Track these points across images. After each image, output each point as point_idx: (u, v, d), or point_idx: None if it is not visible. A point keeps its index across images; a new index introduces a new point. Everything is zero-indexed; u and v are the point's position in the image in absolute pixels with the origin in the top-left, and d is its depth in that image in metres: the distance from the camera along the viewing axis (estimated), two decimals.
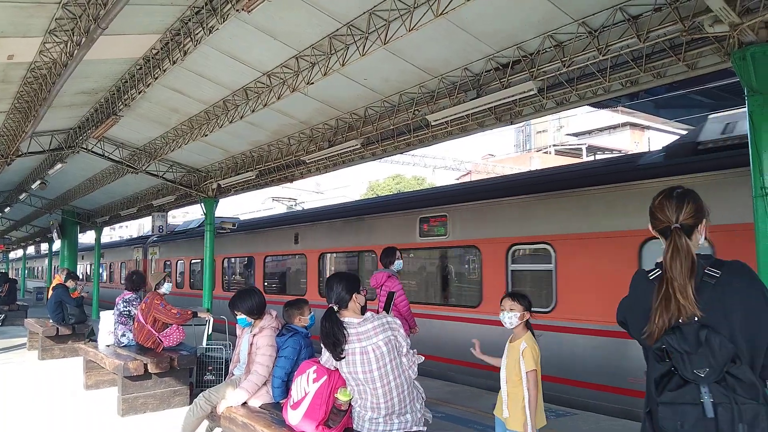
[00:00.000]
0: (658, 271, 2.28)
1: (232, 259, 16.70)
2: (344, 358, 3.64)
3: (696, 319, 2.11)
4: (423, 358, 3.92)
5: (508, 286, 8.46)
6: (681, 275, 2.17)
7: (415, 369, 3.81)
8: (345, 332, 3.62)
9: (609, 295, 4.35)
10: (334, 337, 3.63)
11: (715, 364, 2.02)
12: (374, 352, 3.59)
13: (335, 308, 3.75)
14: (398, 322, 3.81)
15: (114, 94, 8.97)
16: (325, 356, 3.85)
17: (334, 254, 12.48)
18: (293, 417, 3.90)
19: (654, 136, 37.77)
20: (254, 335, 4.93)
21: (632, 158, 9.43)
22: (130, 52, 7.44)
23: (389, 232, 10.70)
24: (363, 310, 3.82)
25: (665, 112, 16.94)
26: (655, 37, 5.15)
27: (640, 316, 2.26)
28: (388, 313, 4.18)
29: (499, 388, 4.15)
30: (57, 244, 24.59)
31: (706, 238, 2.32)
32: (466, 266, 9.90)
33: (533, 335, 4.13)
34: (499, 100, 6.63)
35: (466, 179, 35.15)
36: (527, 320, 4.13)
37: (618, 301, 2.44)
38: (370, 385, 3.60)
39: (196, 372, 7.48)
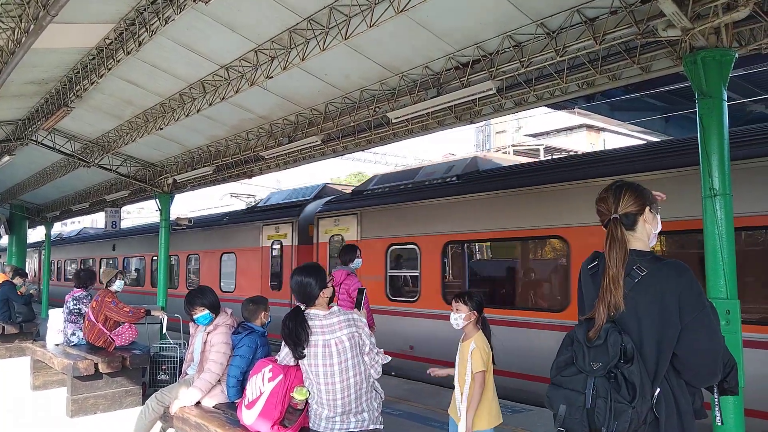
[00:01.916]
0: (596, 263, 2.34)
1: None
2: (304, 356, 3.60)
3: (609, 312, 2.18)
4: (390, 358, 3.88)
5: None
6: (615, 266, 2.21)
7: (378, 369, 3.77)
8: (308, 330, 3.56)
9: None
10: (296, 337, 3.57)
11: (606, 360, 2.10)
12: (336, 347, 3.56)
13: (302, 307, 3.68)
14: (364, 320, 3.78)
15: (65, 84, 8.67)
16: (284, 352, 3.80)
17: None
18: (248, 417, 3.83)
19: (609, 138, 38.70)
20: (208, 333, 4.83)
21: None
22: (82, 42, 7.19)
23: None
24: (330, 301, 3.78)
25: (620, 115, 17.35)
26: (610, 40, 5.25)
27: (588, 307, 2.32)
28: (359, 310, 4.14)
29: None
30: (4, 240, 23.72)
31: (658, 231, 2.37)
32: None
33: (487, 334, 4.11)
34: (459, 99, 6.68)
35: None
36: (482, 319, 4.12)
37: None
38: (329, 378, 3.56)
39: (150, 371, 7.29)
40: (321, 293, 3.68)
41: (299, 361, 3.68)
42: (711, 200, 4.28)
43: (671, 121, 16.61)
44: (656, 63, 5.51)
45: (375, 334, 4.32)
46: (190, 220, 14.54)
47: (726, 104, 4.43)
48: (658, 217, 2.37)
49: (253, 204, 15.29)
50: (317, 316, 3.63)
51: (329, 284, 3.76)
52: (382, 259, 10.06)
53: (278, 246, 12.86)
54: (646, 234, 2.33)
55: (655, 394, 2.10)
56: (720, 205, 4.24)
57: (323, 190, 13.39)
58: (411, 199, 9.86)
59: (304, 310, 3.67)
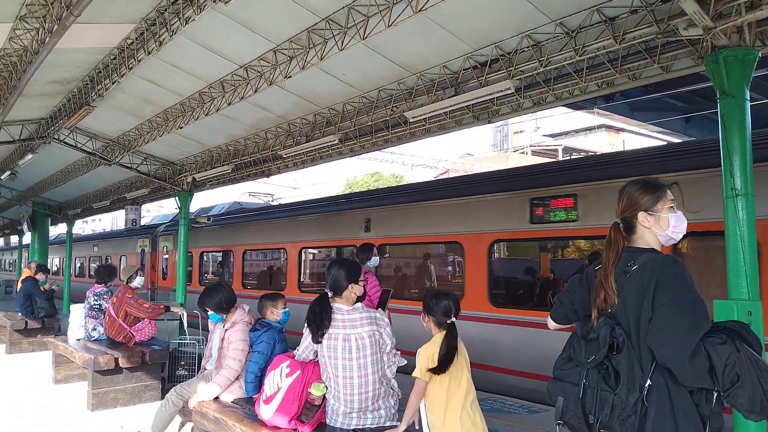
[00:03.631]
0: (599, 264, 2.45)
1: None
2: (322, 342, 3.68)
3: (608, 308, 2.29)
4: (405, 361, 3.90)
5: None
6: (606, 265, 2.36)
7: (394, 369, 3.85)
8: (330, 318, 3.66)
9: None
10: (318, 320, 3.68)
11: (599, 352, 2.20)
12: (356, 342, 3.63)
13: (329, 294, 3.79)
14: (386, 320, 3.83)
15: (87, 84, 8.80)
16: (303, 345, 3.85)
17: None
18: (266, 412, 3.87)
19: (629, 138, 38.35)
20: (226, 330, 4.89)
21: None
22: (104, 42, 7.30)
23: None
24: (359, 300, 3.84)
25: (640, 115, 17.18)
26: (630, 39, 5.21)
27: (587, 304, 2.44)
28: (384, 310, 4.19)
29: None
30: (27, 237, 24.12)
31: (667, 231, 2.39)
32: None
33: (448, 338, 3.63)
34: (477, 98, 6.66)
35: (444, 177, 35.25)
36: (447, 323, 3.66)
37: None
38: (347, 372, 3.62)
39: (169, 367, 7.38)
40: (348, 287, 3.75)
41: (319, 354, 3.74)
42: (733, 200, 4.23)
43: (692, 121, 16.41)
44: (677, 62, 5.45)
45: None
46: (208, 218, 14.63)
47: (748, 104, 4.37)
48: (669, 216, 2.38)
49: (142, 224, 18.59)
50: (340, 310, 3.72)
51: (361, 283, 3.80)
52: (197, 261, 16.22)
53: (142, 251, 19.87)
54: (650, 234, 2.40)
55: (646, 384, 2.12)
56: (742, 206, 4.19)
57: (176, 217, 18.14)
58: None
59: (331, 299, 3.77)
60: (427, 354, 3.61)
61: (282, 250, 13.01)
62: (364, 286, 3.92)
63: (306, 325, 3.81)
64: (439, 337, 3.65)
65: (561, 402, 2.26)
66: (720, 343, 2.05)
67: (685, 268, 2.22)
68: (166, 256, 18.33)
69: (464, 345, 3.73)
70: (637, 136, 34.68)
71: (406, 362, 3.93)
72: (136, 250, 20.36)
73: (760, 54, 4.52)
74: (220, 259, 16.44)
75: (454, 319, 3.66)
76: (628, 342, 2.18)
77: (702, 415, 2.13)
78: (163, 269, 18.61)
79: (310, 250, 12.63)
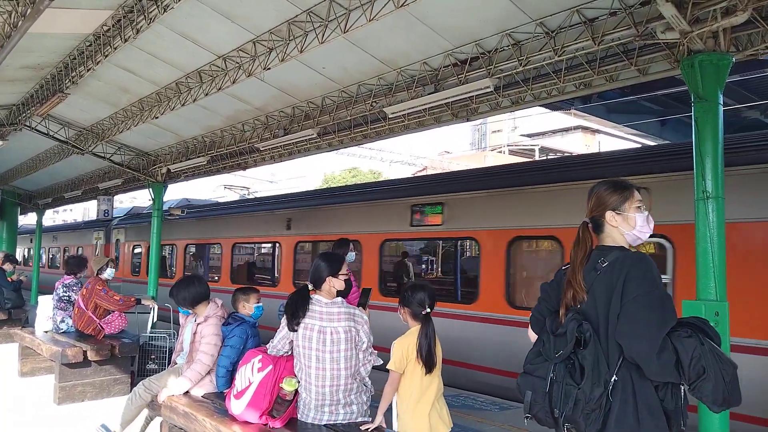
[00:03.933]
0: (569, 264, 2.51)
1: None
2: (298, 331, 3.70)
3: (577, 305, 2.35)
4: (381, 361, 3.90)
5: None
6: (574, 263, 2.42)
7: (369, 367, 3.85)
8: (306, 307, 3.70)
9: None
10: (293, 309, 3.72)
11: (566, 346, 2.24)
12: (331, 335, 3.64)
13: (310, 286, 3.82)
14: (365, 317, 3.82)
15: (61, 70, 8.60)
16: (279, 335, 3.83)
17: None
18: (236, 406, 3.83)
19: (605, 140, 38.82)
20: (198, 324, 4.82)
21: None
22: (79, 28, 7.13)
23: None
24: (342, 295, 3.84)
25: (616, 117, 17.40)
26: (609, 41, 5.25)
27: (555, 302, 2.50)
28: (364, 308, 4.18)
29: None
30: None
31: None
32: None
33: (425, 329, 3.70)
34: (456, 95, 6.66)
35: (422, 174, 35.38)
36: (423, 315, 3.73)
37: None
38: (320, 364, 3.62)
39: (139, 360, 7.28)
40: (327, 279, 3.74)
41: (294, 344, 3.72)
42: (704, 203, 4.30)
43: (667, 124, 16.67)
44: (654, 65, 5.52)
45: None
46: (183, 210, 14.48)
47: (721, 108, 4.44)
48: (635, 216, 2.44)
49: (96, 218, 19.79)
50: (319, 302, 3.73)
51: (340, 277, 3.78)
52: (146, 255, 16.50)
53: (97, 243, 20.95)
54: (617, 233, 2.46)
55: (612, 380, 2.17)
56: (712, 208, 4.26)
57: (132, 210, 23.51)
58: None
59: (311, 291, 3.79)
60: (402, 346, 3.68)
61: (218, 245, 14.35)
62: (347, 281, 3.89)
63: (284, 312, 3.81)
64: (415, 329, 3.72)
65: (529, 396, 2.31)
66: (686, 337, 2.11)
67: (653, 264, 2.27)
68: (118, 248, 19.72)
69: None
70: (612, 138, 35.13)
71: (381, 362, 3.92)
72: (92, 242, 21.43)
73: (734, 59, 4.59)
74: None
75: (429, 310, 3.73)
76: (595, 337, 2.23)
77: (667, 411, 2.18)
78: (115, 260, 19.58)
79: (242, 245, 14.06)
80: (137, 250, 18.47)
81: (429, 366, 3.65)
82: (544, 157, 34.53)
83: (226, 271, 13.81)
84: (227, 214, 14.77)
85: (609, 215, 2.44)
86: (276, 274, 12.60)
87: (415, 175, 32.82)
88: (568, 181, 7.51)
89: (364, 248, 10.02)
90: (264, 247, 13.57)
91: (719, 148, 4.35)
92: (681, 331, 2.12)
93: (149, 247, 16.10)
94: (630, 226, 2.43)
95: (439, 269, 10.44)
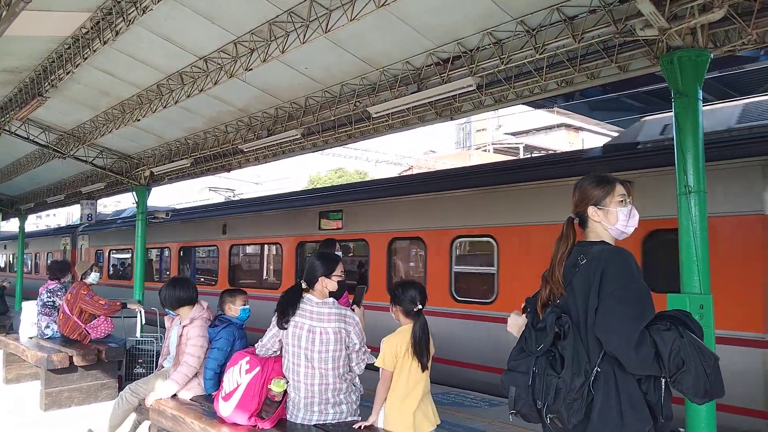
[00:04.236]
0: None
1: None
2: (287, 329, 3.70)
3: (556, 300, 2.38)
4: (375, 359, 3.87)
5: None
6: (555, 259, 2.44)
7: (362, 366, 3.85)
8: (297, 305, 3.71)
9: None
10: (284, 307, 3.74)
11: (546, 340, 2.26)
12: (321, 336, 3.64)
13: (303, 285, 3.83)
14: (357, 319, 3.81)
15: (40, 74, 8.49)
16: (269, 334, 3.82)
17: None
18: (225, 408, 3.82)
19: (588, 137, 39.13)
20: (184, 326, 4.80)
21: None
22: (57, 30, 7.05)
23: None
24: (334, 296, 3.84)
25: (599, 114, 17.55)
26: (589, 39, 5.30)
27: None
28: (358, 306, 4.16)
29: None
30: None
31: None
32: None
33: (418, 324, 3.73)
34: (439, 94, 6.69)
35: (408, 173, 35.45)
36: (414, 311, 3.76)
37: None
38: (309, 362, 3.62)
39: (126, 365, 7.23)
40: (319, 279, 3.74)
41: (283, 342, 3.73)
42: (686, 197, 4.36)
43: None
44: (634, 62, 5.57)
45: None
46: (167, 213, 14.41)
47: (701, 104, 4.52)
48: (617, 210, 2.43)
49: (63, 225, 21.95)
50: (310, 302, 3.73)
51: (334, 278, 3.78)
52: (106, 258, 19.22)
53: (64, 248, 22.05)
54: (600, 228, 2.47)
55: (593, 371, 2.18)
56: (694, 202, 4.32)
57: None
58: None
59: (304, 290, 3.80)
60: (392, 344, 3.70)
61: (167, 249, 16.32)
62: (340, 283, 3.87)
63: (276, 310, 3.82)
64: (407, 327, 3.74)
65: (513, 391, 2.32)
66: (664, 330, 2.12)
67: (631, 257, 2.28)
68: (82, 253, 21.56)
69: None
70: (596, 135, 35.43)
71: (375, 360, 3.91)
72: (59, 247, 22.74)
73: (712, 55, 4.66)
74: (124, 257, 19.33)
75: (420, 306, 3.76)
76: (574, 329, 2.24)
77: (650, 404, 2.19)
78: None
79: (188, 248, 15.89)
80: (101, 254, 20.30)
81: (422, 362, 3.68)
82: (529, 155, 34.76)
83: (174, 272, 15.82)
84: (175, 221, 16.22)
85: (591, 210, 2.45)
86: (215, 275, 14.13)
87: (400, 174, 32.89)
88: (433, 191, 9.30)
89: (284, 249, 11.92)
90: (205, 250, 15.51)
91: (700, 144, 4.41)
92: (660, 324, 2.14)
93: (109, 251, 19.49)
94: (611, 221, 2.43)
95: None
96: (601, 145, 9.33)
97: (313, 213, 11.27)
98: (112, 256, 19.54)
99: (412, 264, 10.09)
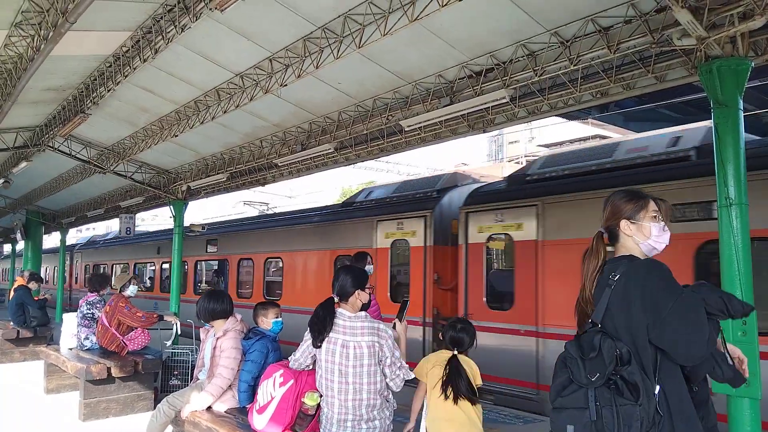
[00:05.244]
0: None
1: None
2: (321, 346, 3.67)
3: (594, 323, 2.25)
4: (413, 375, 3.84)
5: None
6: (586, 276, 2.39)
7: (399, 383, 3.76)
8: (333, 322, 3.67)
9: None
10: (321, 324, 3.67)
11: (604, 368, 2.10)
12: (354, 350, 3.59)
13: (336, 299, 3.79)
14: (390, 332, 3.78)
15: (82, 91, 8.79)
16: (301, 349, 3.82)
17: None
18: (259, 421, 3.83)
19: None
20: (218, 338, 4.84)
21: None
22: (99, 49, 7.30)
23: None
24: (365, 308, 3.81)
25: (635, 125, 17.24)
26: (625, 49, 5.23)
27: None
28: (401, 321, 4.16)
29: None
30: (20, 245, 23.98)
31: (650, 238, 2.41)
32: None
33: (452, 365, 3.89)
34: (472, 107, 6.68)
35: None
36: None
37: None
38: (343, 378, 3.58)
39: (161, 376, 7.32)
40: (355, 293, 3.73)
41: (317, 357, 3.71)
42: (727, 209, 4.24)
43: None
44: (671, 72, 5.48)
45: None
46: (203, 226, 14.62)
47: (742, 113, 4.40)
48: (651, 226, 2.39)
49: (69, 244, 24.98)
50: (343, 316, 3.70)
51: (367, 291, 3.79)
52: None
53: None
54: (631, 243, 2.42)
55: (656, 392, 2.10)
56: (736, 215, 4.20)
57: (91, 238, 28.45)
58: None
59: (336, 305, 3.77)
60: (426, 366, 3.85)
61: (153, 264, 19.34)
62: (370, 294, 3.89)
63: (309, 327, 3.80)
64: (443, 359, 3.83)
65: (571, 430, 2.14)
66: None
67: (665, 267, 2.24)
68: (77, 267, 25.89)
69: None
70: None
71: (414, 375, 3.88)
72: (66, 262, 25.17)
73: (753, 64, 4.55)
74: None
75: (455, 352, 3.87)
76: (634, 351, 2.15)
77: (700, 408, 2.18)
78: (75, 277, 26.14)
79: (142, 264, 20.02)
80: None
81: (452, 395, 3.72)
82: None
83: (156, 283, 18.60)
84: (155, 240, 19.11)
85: (624, 224, 2.42)
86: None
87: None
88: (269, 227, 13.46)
89: (189, 266, 15.67)
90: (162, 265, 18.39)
91: (741, 154, 4.30)
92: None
93: (93, 265, 23.27)
94: (645, 236, 2.39)
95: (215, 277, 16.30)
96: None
97: (202, 240, 15.10)
98: (95, 267, 23.63)
99: (276, 278, 12.90)
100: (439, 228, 9.33)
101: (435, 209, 9.35)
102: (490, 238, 8.47)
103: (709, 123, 5.48)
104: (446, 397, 3.70)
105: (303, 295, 11.44)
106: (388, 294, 9.74)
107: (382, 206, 10.60)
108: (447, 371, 3.75)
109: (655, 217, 2.42)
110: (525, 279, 7.77)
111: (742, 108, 4.41)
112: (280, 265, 12.47)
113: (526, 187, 8.37)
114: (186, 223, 13.19)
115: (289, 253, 12.19)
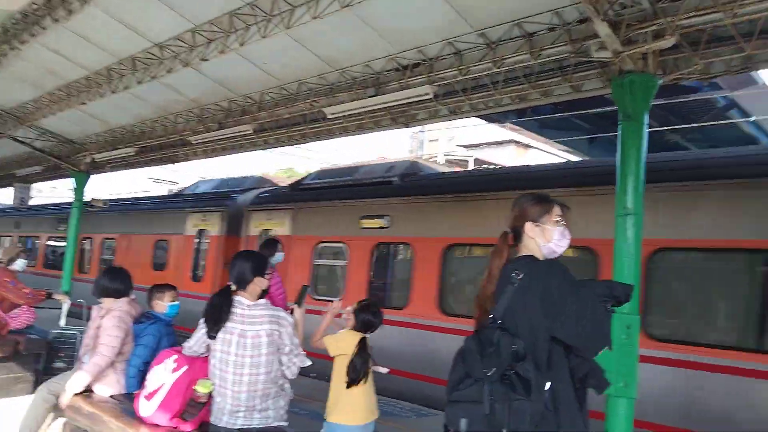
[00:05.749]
0: None
1: None
2: (216, 336, 3.50)
3: (496, 320, 2.31)
4: (310, 362, 3.76)
5: None
6: (490, 274, 2.47)
7: (294, 370, 3.67)
8: (230, 312, 3.50)
9: None
10: (217, 314, 3.50)
11: (500, 363, 2.17)
12: (252, 339, 3.46)
13: (233, 287, 3.61)
14: (290, 320, 3.67)
15: None
16: (195, 337, 3.63)
17: None
18: (146, 408, 3.62)
19: (537, 155, 39.95)
20: (101, 317, 4.53)
21: None
22: (4, 4, 6.68)
23: None
24: (263, 294, 3.65)
25: (548, 132, 17.92)
26: (546, 56, 5.37)
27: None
28: (300, 306, 4.05)
29: None
30: None
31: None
32: None
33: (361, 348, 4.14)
34: (397, 100, 6.66)
35: None
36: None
37: None
38: (238, 369, 3.44)
39: (45, 358, 6.82)
40: (254, 280, 3.57)
41: (211, 347, 3.54)
42: (623, 219, 4.43)
43: (595, 142, 17.25)
44: (587, 83, 5.67)
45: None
46: (105, 202, 13.88)
47: (647, 128, 4.61)
48: (554, 230, 2.50)
49: None
50: (241, 304, 3.53)
51: (266, 277, 3.65)
52: None
53: None
54: (533, 244, 2.52)
55: (546, 387, 2.17)
56: (631, 224, 4.40)
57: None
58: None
59: (234, 292, 3.59)
60: (333, 343, 4.12)
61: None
62: (268, 279, 3.77)
63: (203, 317, 3.60)
64: (353, 341, 4.04)
65: (465, 423, 2.18)
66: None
67: (564, 267, 2.38)
68: None
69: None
70: (544, 153, 36.17)
71: (311, 363, 3.79)
72: None
73: (660, 81, 4.78)
74: None
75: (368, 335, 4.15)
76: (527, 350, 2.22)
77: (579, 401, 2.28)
78: None
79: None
80: None
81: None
82: (478, 167, 35.17)
83: (41, 259, 17.73)
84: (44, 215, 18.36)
85: (528, 226, 2.51)
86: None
87: None
88: None
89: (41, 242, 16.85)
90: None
91: (641, 167, 4.50)
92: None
93: None
94: (546, 239, 2.50)
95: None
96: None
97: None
98: None
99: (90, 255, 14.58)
100: (233, 222, 11.79)
101: (230, 206, 12.03)
102: (262, 232, 10.96)
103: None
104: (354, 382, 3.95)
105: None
106: (190, 274, 12.36)
107: (194, 201, 13.44)
108: (357, 351, 3.98)
109: (558, 221, 2.52)
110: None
111: (647, 123, 4.62)
112: (114, 245, 14.79)
113: (291, 194, 11.19)
114: (88, 198, 12.44)
115: (123, 235, 14.56)
